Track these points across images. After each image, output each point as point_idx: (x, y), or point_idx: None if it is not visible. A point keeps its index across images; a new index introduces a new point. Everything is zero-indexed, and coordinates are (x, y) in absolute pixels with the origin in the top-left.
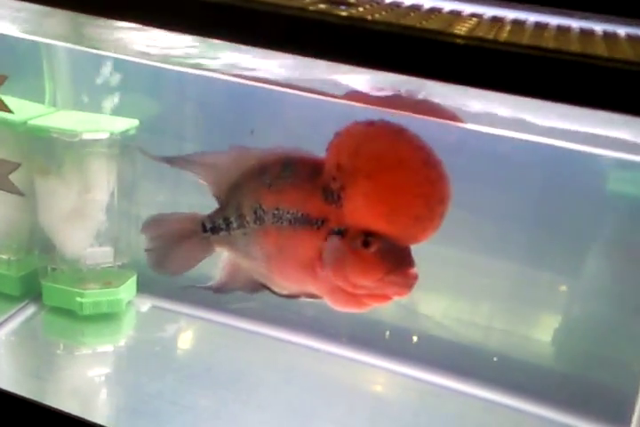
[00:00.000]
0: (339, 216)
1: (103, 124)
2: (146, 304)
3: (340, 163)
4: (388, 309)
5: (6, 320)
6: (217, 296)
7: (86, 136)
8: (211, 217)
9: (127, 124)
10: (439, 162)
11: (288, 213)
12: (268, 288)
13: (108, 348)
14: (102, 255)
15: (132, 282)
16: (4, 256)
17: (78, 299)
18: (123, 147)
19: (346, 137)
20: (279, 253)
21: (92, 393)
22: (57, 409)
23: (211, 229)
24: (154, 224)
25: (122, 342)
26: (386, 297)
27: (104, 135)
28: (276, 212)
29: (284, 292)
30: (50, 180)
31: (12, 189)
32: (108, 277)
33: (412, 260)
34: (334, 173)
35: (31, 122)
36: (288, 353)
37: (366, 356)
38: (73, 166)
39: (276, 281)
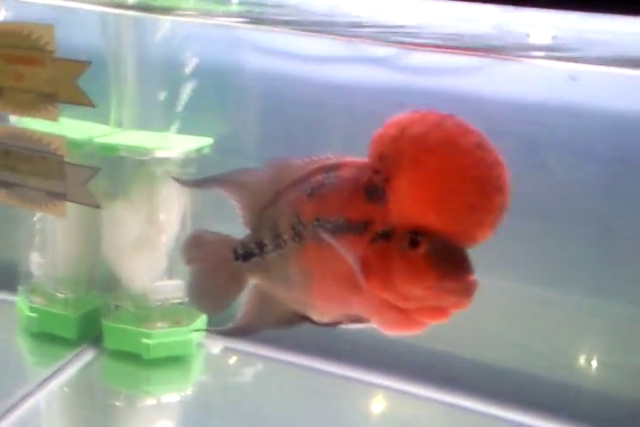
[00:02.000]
0: (384, 215)
1: (175, 142)
2: (217, 346)
3: (382, 151)
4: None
5: (61, 368)
6: (297, 335)
7: (158, 154)
8: (243, 242)
9: (200, 142)
10: (494, 147)
11: (329, 221)
12: (307, 318)
13: (176, 397)
14: (172, 290)
15: (202, 320)
16: (61, 295)
17: (144, 340)
18: (198, 167)
19: (389, 126)
20: (320, 272)
21: None
22: None
23: (242, 255)
24: (192, 244)
25: (192, 390)
26: (442, 311)
27: (177, 153)
28: (316, 223)
29: (325, 319)
30: (116, 205)
31: (88, 201)
32: (177, 315)
33: (470, 264)
34: (377, 164)
35: (98, 140)
36: (378, 397)
37: (455, 397)
38: (142, 189)
39: (317, 307)
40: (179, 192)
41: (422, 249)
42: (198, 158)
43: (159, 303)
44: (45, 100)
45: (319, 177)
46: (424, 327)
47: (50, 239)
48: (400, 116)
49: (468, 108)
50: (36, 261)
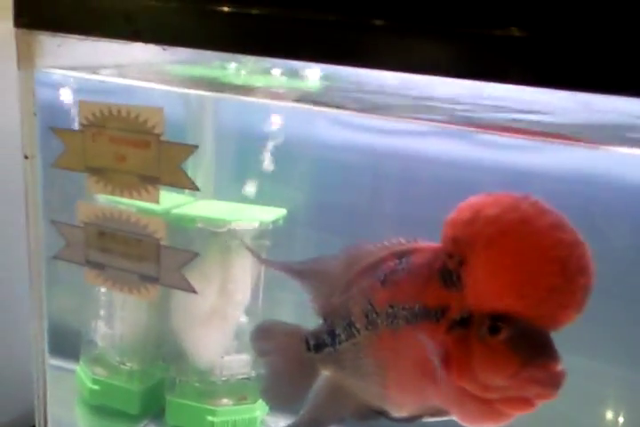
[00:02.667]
0: (460, 301)
1: (250, 213)
2: (279, 423)
3: (456, 235)
4: None
5: None
6: None
7: (235, 226)
8: (315, 333)
9: (275, 213)
10: (573, 228)
11: (404, 308)
12: (383, 412)
13: None
14: (239, 364)
15: None
16: (127, 366)
17: (209, 418)
18: (272, 239)
19: (463, 209)
20: (395, 361)
21: None
22: None
23: (314, 346)
24: (262, 336)
25: None
26: (526, 402)
27: (254, 225)
28: (390, 310)
29: (403, 413)
30: (189, 277)
31: (183, 285)
32: (242, 391)
33: (555, 350)
34: (451, 248)
35: (174, 211)
36: None
37: None
38: (216, 261)
39: (393, 399)
40: (252, 263)
41: (503, 335)
42: (273, 230)
43: (225, 379)
44: (147, 182)
45: (391, 263)
46: (508, 419)
47: (118, 309)
48: (473, 198)
49: (551, 186)
50: (101, 331)
